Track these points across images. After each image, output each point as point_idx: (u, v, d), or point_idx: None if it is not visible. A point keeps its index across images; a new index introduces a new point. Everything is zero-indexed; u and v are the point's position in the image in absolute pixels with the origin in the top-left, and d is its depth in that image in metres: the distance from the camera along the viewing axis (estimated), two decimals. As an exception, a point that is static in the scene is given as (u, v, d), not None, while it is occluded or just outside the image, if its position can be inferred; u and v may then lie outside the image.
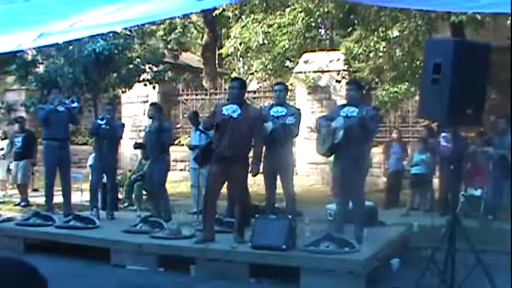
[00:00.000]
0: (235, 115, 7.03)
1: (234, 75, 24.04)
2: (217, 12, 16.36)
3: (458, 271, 5.37)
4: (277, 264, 6.34)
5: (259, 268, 6.39)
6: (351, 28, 14.20)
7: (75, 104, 9.66)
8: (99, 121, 9.33)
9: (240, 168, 7.10)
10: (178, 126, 17.32)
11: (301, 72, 16.19)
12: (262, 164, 8.01)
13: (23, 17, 5.97)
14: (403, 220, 9.75)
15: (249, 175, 7.30)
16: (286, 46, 15.98)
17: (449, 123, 6.74)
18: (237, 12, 16.84)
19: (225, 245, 6.77)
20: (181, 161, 16.04)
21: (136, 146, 10.36)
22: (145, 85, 15.61)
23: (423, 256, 6.74)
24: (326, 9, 13.18)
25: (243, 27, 16.06)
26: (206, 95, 18.77)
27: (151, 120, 9.10)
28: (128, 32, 13.96)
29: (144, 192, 11.05)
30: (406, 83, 12.49)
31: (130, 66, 14.82)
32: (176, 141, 15.60)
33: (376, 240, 6.89)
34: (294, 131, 7.83)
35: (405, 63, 12.25)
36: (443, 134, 10.80)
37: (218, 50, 21.72)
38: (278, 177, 7.91)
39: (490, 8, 6.53)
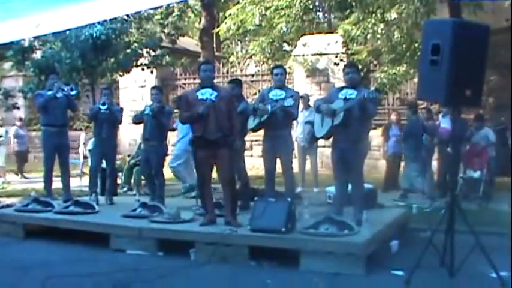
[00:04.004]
0: (213, 97, 7.05)
1: (232, 59, 23.99)
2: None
3: (457, 252, 5.39)
4: (277, 247, 6.35)
5: (259, 251, 6.39)
6: (348, 11, 14.16)
7: (74, 92, 9.63)
8: (101, 106, 9.29)
9: (226, 150, 7.09)
10: (176, 111, 17.28)
11: (299, 55, 16.16)
12: (261, 147, 8.02)
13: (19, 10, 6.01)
14: (402, 202, 9.77)
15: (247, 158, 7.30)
16: (284, 29, 15.95)
17: (449, 105, 6.74)
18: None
19: (224, 228, 6.77)
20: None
21: (137, 119, 9.99)
22: (143, 70, 15.58)
23: (422, 238, 6.77)
24: (324, -8, 13.11)
25: (240, 8, 16.02)
26: (204, 79, 18.69)
27: (152, 102, 9.03)
28: (125, 17, 13.88)
29: (143, 177, 11.03)
30: (405, 65, 12.46)
31: (128, 50, 14.78)
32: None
33: (376, 223, 6.89)
34: (292, 113, 7.81)
35: (404, 45, 12.21)
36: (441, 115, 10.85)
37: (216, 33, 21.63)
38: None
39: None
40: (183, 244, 6.76)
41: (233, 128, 7.17)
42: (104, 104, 9.28)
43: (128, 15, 14.23)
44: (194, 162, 7.44)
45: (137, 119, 9.20)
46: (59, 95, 9.38)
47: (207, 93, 7.08)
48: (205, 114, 6.93)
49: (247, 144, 10.83)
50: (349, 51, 14.76)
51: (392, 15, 12.46)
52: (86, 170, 11.57)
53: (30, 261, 6.73)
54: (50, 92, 9.42)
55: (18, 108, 17.46)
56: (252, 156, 14.48)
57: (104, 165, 9.70)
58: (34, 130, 18.77)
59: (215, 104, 7.00)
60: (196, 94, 7.14)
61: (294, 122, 9.99)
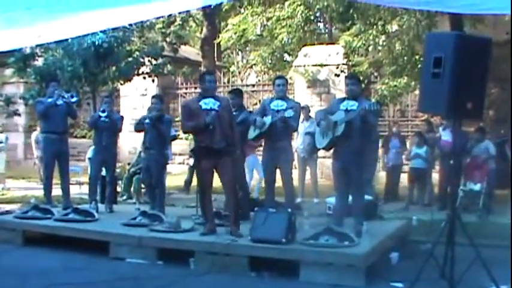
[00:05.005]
0: (216, 107, 7.09)
1: (232, 69, 24.03)
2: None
3: (457, 265, 5.38)
4: (277, 258, 6.34)
5: (259, 261, 6.38)
6: (350, 22, 14.18)
7: (74, 99, 9.64)
8: (101, 113, 9.31)
9: (229, 158, 7.14)
10: (177, 119, 17.32)
11: (300, 66, 16.20)
12: (261, 158, 8.02)
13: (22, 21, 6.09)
14: (402, 214, 9.75)
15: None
16: (285, 39, 15.99)
17: (450, 117, 6.76)
18: (236, 5, 16.85)
19: (224, 238, 6.76)
20: (180, 154, 16.05)
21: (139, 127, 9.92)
22: (144, 78, 15.59)
23: (422, 250, 6.76)
24: (326, 3, 13.14)
25: (241, 18, 16.06)
26: (205, 88, 18.72)
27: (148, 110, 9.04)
28: (127, 25, 13.90)
29: (142, 186, 11.03)
30: (406, 77, 12.49)
31: (130, 59, 14.78)
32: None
33: (376, 234, 6.89)
34: (292, 125, 7.82)
35: (405, 58, 12.24)
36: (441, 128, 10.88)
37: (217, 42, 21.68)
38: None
39: (489, 10, 6.63)
40: (183, 253, 6.75)
41: (234, 137, 7.20)
42: (103, 112, 9.30)
43: (130, 24, 14.24)
44: (197, 171, 7.42)
45: (139, 127, 9.19)
46: (60, 102, 9.39)
47: (210, 103, 7.10)
48: (212, 124, 6.95)
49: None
50: (350, 63, 14.79)
51: (394, 27, 12.51)
52: (85, 178, 11.54)
53: (30, 268, 6.71)
54: (50, 100, 9.43)
55: (19, 115, 17.43)
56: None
57: (103, 173, 9.71)
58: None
59: (219, 114, 7.04)
60: (199, 104, 7.15)
61: (295, 133, 10.00)
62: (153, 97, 9.51)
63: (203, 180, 7.27)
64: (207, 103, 7.11)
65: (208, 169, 7.15)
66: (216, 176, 7.24)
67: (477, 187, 10.26)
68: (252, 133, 7.96)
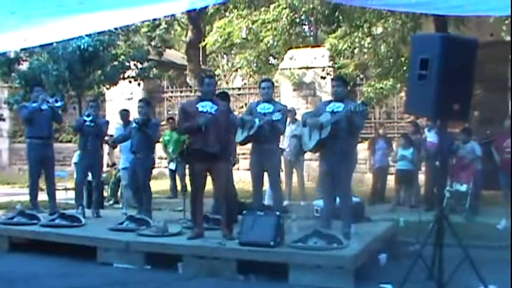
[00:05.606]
0: (213, 111, 7.10)
1: (218, 72, 24.03)
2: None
3: (446, 266, 5.39)
4: (266, 261, 6.32)
5: (247, 265, 6.36)
6: (335, 24, 14.23)
7: (59, 103, 9.59)
8: (85, 117, 9.27)
9: (223, 163, 7.19)
10: (163, 123, 17.27)
11: (286, 69, 16.22)
12: (249, 161, 8.00)
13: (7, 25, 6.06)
14: (389, 216, 9.77)
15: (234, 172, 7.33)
16: (271, 42, 16.01)
17: (437, 118, 6.78)
18: (221, 8, 16.85)
19: (212, 241, 6.73)
20: (165, 158, 15.97)
21: (113, 142, 10.03)
22: (130, 82, 15.54)
23: (410, 251, 6.78)
24: (311, 6, 13.17)
25: (227, 21, 16.06)
26: (191, 91, 18.74)
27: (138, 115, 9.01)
28: (113, 29, 13.85)
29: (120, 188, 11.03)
30: (391, 79, 12.54)
31: (115, 63, 14.73)
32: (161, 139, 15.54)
33: (364, 236, 6.89)
34: (280, 128, 7.80)
35: (390, 60, 12.29)
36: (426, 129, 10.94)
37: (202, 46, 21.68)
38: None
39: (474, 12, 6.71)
40: (171, 258, 6.71)
41: (230, 142, 7.21)
42: (88, 116, 9.26)
43: (115, 28, 14.20)
44: (190, 174, 7.38)
45: (118, 141, 9.38)
46: (44, 107, 9.34)
47: (207, 106, 7.12)
48: (205, 126, 6.94)
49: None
50: (336, 65, 14.85)
51: (379, 29, 12.56)
52: (71, 183, 11.47)
53: (16, 274, 6.64)
54: (34, 104, 9.37)
55: (3, 120, 17.31)
56: (238, 169, 14.44)
57: (90, 178, 9.65)
58: (19, 142, 18.66)
59: (215, 118, 7.05)
60: (196, 106, 7.17)
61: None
62: (139, 101, 9.47)
63: (196, 184, 7.23)
64: (204, 106, 7.13)
65: (201, 173, 7.14)
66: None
67: (463, 188, 10.30)
68: (239, 136, 7.94)
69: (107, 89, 15.76)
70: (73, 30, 7.38)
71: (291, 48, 16.84)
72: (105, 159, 11.46)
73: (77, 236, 7.55)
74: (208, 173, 7.18)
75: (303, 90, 16.13)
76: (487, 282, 5.38)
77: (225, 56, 30.88)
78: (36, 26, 6.25)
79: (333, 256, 6.08)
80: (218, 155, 7.03)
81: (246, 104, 16.08)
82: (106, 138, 10.02)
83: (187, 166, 7.81)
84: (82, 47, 13.02)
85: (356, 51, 13.02)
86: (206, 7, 17.26)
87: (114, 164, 12.43)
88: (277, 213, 6.76)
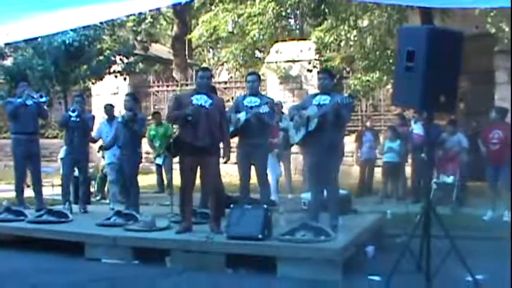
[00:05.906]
0: (207, 105, 7.06)
1: (204, 66, 23.96)
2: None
3: (433, 257, 5.42)
4: (254, 254, 6.32)
5: (236, 258, 6.36)
6: (321, 18, 14.22)
7: (43, 99, 9.52)
8: (71, 113, 9.23)
9: (213, 157, 7.15)
10: (150, 118, 17.22)
11: (272, 62, 16.21)
12: (236, 154, 7.99)
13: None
14: (376, 208, 9.81)
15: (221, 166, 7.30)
16: (257, 36, 15.99)
17: (424, 110, 6.81)
18: (206, 2, 16.80)
19: (200, 236, 6.72)
20: (150, 153, 15.91)
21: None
22: (115, 77, 15.47)
23: (398, 243, 6.80)
24: (297, -1, 13.18)
25: (212, 15, 16.02)
26: (177, 86, 18.69)
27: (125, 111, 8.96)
28: (98, 23, 13.78)
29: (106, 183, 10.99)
30: (378, 72, 12.57)
31: (101, 57, 14.66)
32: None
33: (351, 228, 6.92)
34: (267, 121, 7.78)
35: (377, 52, 12.31)
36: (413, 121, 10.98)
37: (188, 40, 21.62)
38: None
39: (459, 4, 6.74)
40: (159, 252, 6.70)
41: (224, 137, 7.19)
42: (74, 111, 9.22)
43: (101, 22, 14.12)
44: (180, 169, 7.34)
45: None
46: (29, 102, 9.28)
47: (201, 100, 7.09)
48: (192, 117, 6.90)
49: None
50: (322, 58, 14.84)
51: (365, 22, 12.57)
52: (57, 179, 11.40)
53: (3, 271, 6.59)
54: (19, 100, 9.30)
55: None
56: (226, 163, 14.44)
57: (76, 173, 9.61)
58: (4, 138, 18.53)
59: (209, 112, 7.02)
60: (191, 98, 7.13)
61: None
62: (126, 95, 9.44)
63: (185, 177, 7.18)
64: (199, 99, 7.10)
65: (191, 167, 7.10)
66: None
67: (450, 179, 10.36)
68: (226, 130, 7.92)
69: (93, 83, 15.68)
70: (57, 25, 7.30)
71: (277, 41, 16.83)
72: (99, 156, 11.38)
73: (65, 232, 7.51)
74: (197, 167, 7.14)
75: (289, 84, 16.14)
76: (474, 273, 5.41)
77: (211, 49, 30.84)
78: (18, 20, 6.17)
79: (321, 249, 6.09)
80: (207, 148, 6.99)
81: (232, 98, 16.06)
82: (92, 135, 9.98)
83: (174, 160, 7.78)
84: (67, 41, 12.95)
85: (342, 44, 13.04)
86: (192, 1, 17.20)
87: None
88: (265, 206, 6.76)
